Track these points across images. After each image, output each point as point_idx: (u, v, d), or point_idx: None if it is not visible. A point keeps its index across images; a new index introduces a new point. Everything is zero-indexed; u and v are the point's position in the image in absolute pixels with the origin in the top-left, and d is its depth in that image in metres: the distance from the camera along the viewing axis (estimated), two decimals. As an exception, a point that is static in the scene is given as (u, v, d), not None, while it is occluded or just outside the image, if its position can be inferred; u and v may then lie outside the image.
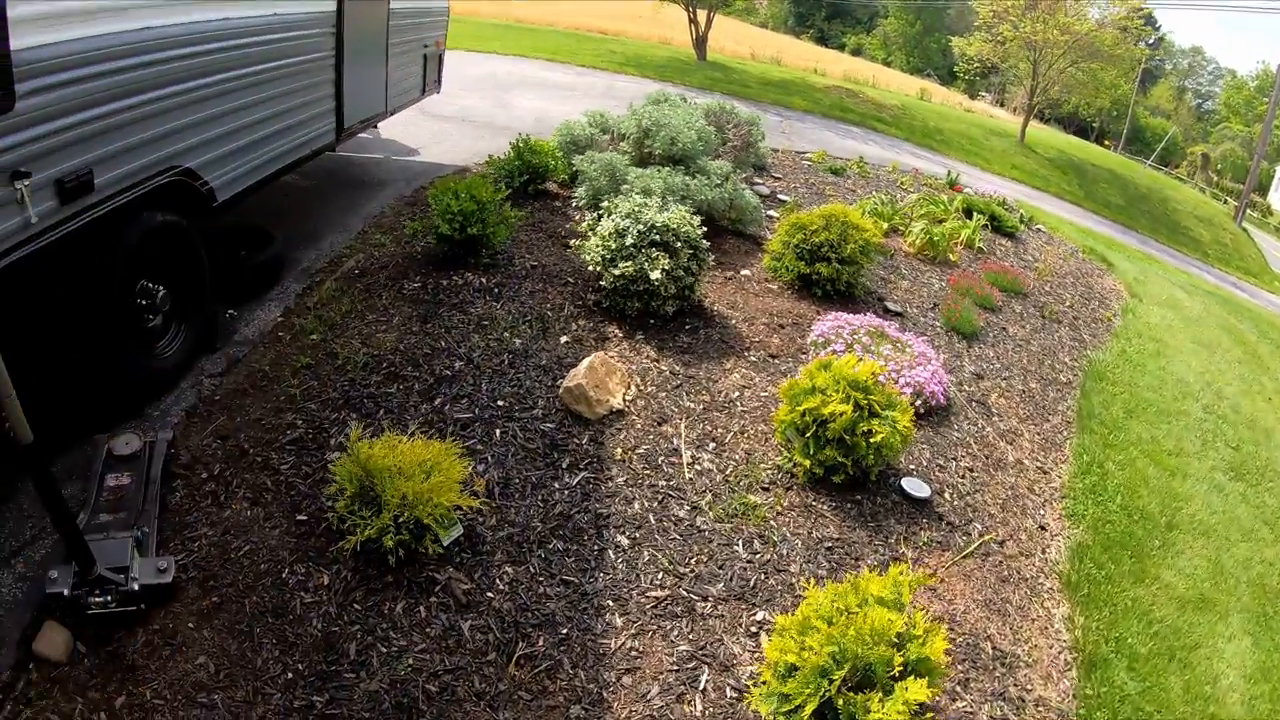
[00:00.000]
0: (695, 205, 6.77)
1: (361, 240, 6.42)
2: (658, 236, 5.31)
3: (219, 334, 4.78)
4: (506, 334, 5.09)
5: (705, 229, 5.84)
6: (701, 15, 23.80)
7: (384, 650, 3.21)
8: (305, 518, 3.65)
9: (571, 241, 6.32)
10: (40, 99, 3.05)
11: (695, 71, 21.36)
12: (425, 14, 8.02)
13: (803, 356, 5.68)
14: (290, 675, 3.08)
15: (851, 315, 6.04)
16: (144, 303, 4.10)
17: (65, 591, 2.96)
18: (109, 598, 3.04)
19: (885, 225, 8.59)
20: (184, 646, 3.10)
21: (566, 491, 4.08)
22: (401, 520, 3.38)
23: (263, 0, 4.73)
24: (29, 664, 2.95)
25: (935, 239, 8.54)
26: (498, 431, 4.32)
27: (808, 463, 4.28)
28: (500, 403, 4.51)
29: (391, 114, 7.70)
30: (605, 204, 5.86)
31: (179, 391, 4.31)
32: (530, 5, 27.37)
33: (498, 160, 7.63)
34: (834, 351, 5.37)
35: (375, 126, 8.12)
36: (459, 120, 10.99)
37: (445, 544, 3.56)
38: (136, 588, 3.07)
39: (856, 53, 56.89)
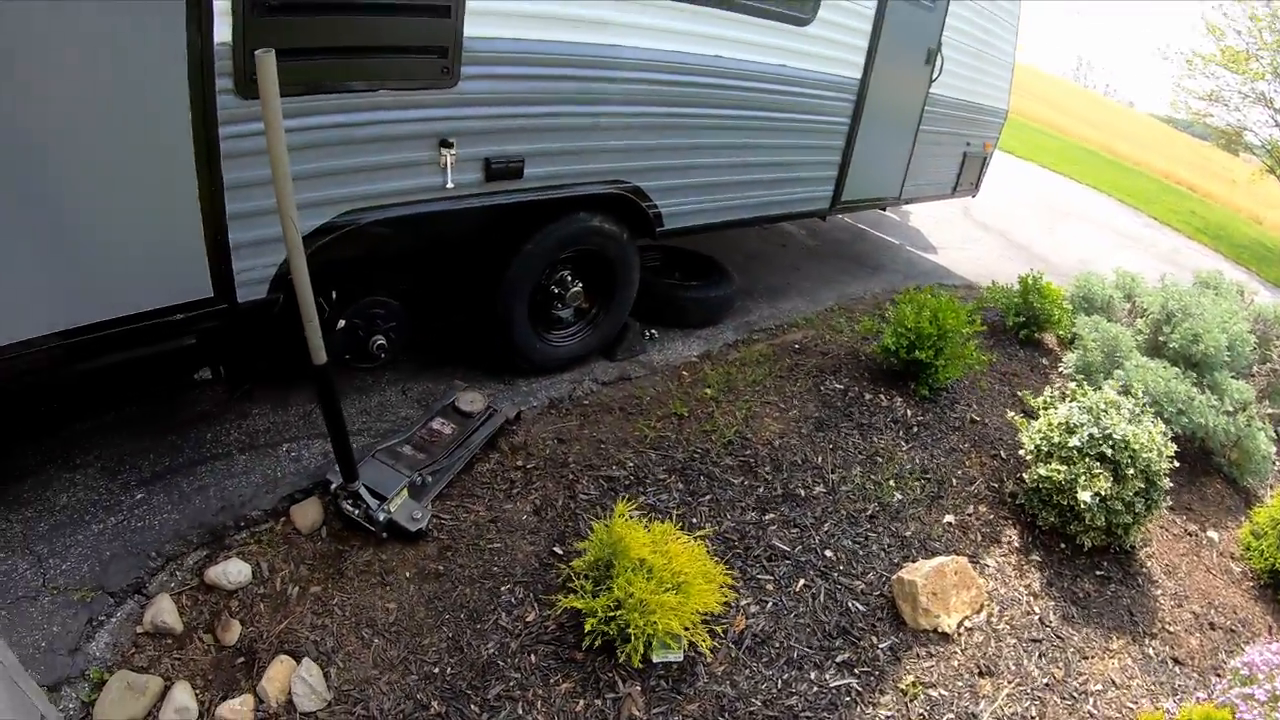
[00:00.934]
0: (1185, 427, 5.04)
1: (821, 318, 6.14)
2: (1109, 450, 3.90)
3: (626, 347, 4.90)
4: (891, 482, 4.25)
5: (1179, 460, 4.24)
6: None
7: (515, 712, 2.84)
8: (561, 552, 3.46)
9: (1016, 414, 5.15)
10: (480, 85, 3.39)
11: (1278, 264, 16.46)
12: (973, 110, 7.40)
13: (1213, 678, 3.72)
14: (436, 670, 2.92)
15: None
16: (556, 291, 4.39)
17: (334, 484, 3.30)
18: (357, 511, 3.27)
19: None
20: (387, 586, 3.16)
21: (816, 690, 3.14)
22: (613, 618, 3.00)
23: (769, 49, 4.68)
24: (280, 518, 3.35)
25: None
26: (801, 582, 3.57)
27: None
28: (828, 553, 3.73)
29: (905, 202, 7.27)
30: (1082, 387, 4.56)
31: (556, 382, 4.50)
32: (1127, 139, 24.19)
33: (999, 290, 6.66)
34: (1252, 698, 3.34)
35: (884, 209, 7.71)
36: (996, 233, 10.13)
37: (653, 661, 3.08)
38: (382, 518, 3.22)
39: None
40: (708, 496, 3.88)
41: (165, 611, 2.94)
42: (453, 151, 3.39)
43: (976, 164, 8.07)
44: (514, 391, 4.35)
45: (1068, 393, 4.47)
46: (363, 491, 3.23)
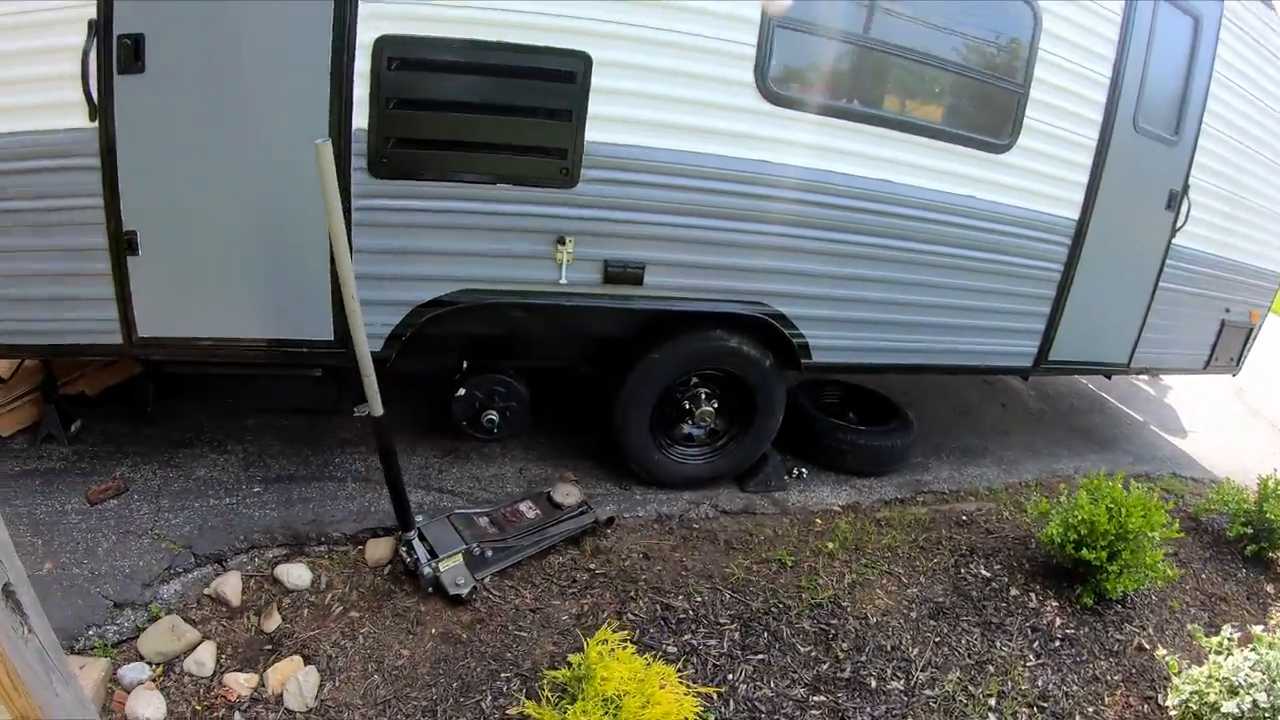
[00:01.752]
0: None
1: (1009, 492, 5.27)
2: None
3: (760, 480, 4.64)
4: (992, 700, 3.45)
5: None
6: None
7: None
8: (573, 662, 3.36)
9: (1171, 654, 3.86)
10: (600, 189, 3.56)
11: None
12: (1233, 269, 5.80)
13: None
14: None
15: None
16: (687, 406, 4.35)
17: (400, 533, 3.58)
18: (409, 560, 3.52)
19: None
20: (411, 634, 3.33)
21: None
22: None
23: (952, 177, 4.19)
24: (357, 545, 3.73)
25: None
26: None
27: None
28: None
29: (1137, 372, 5.98)
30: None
31: (674, 498, 4.42)
32: None
33: (1228, 490, 5.10)
34: None
35: (1110, 377, 6.34)
36: (1268, 421, 7.92)
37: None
38: (427, 573, 3.44)
39: None
40: (759, 656, 3.49)
41: (230, 585, 3.41)
42: (568, 249, 3.63)
43: (1239, 335, 6.38)
44: (625, 496, 4.37)
45: (1255, 636, 3.29)
46: (416, 544, 3.49)
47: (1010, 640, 3.84)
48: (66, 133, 3.18)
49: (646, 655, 3.25)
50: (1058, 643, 3.88)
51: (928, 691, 3.48)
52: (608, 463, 4.61)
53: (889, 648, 3.67)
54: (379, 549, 3.69)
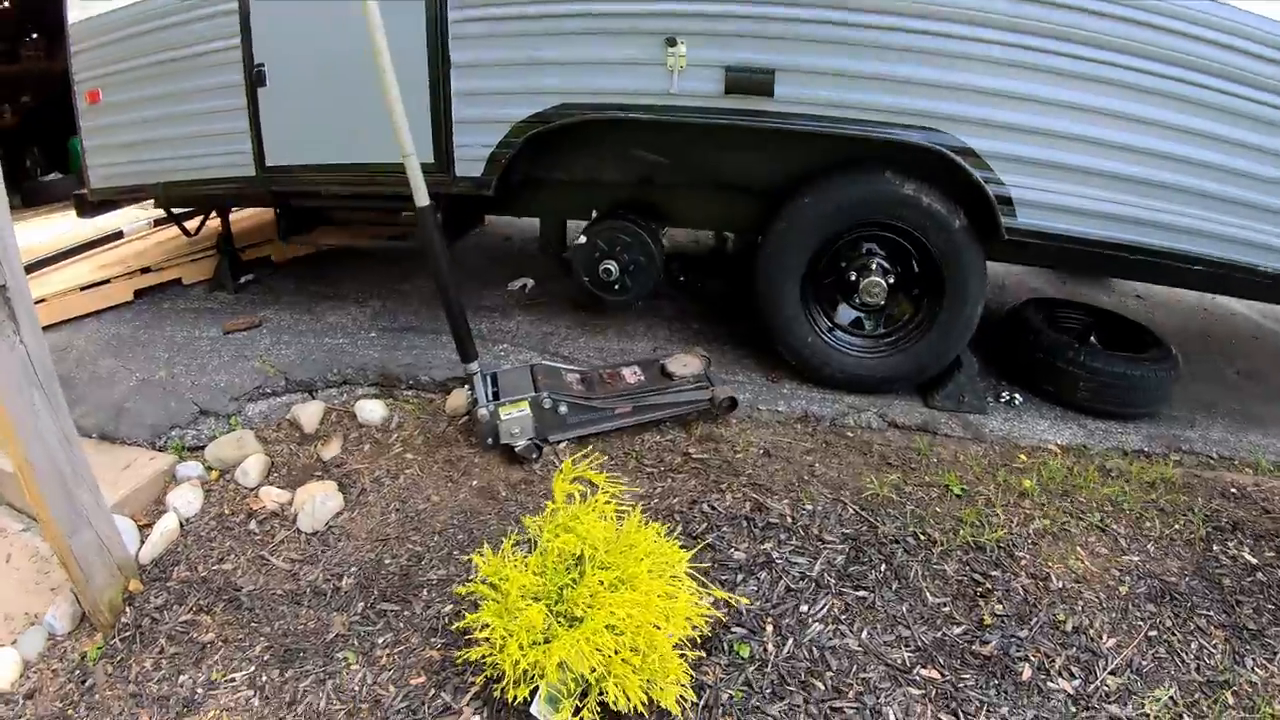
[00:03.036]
0: None
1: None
2: None
3: (950, 393, 3.41)
4: None
5: None
6: None
7: (370, 641, 2.38)
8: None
9: None
10: None
11: None
12: None
13: None
14: (390, 566, 2.64)
15: None
16: (852, 277, 3.34)
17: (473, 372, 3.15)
18: (468, 400, 3.15)
19: None
20: (449, 483, 2.99)
21: None
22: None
23: None
24: (443, 394, 3.44)
25: None
26: None
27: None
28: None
29: None
30: None
31: (832, 399, 3.39)
32: None
33: None
34: None
35: None
36: None
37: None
38: (481, 413, 2.98)
39: None
40: (860, 593, 2.41)
41: (308, 413, 3.34)
42: (680, 52, 3.00)
43: None
44: (769, 390, 3.46)
45: None
46: (477, 380, 3.06)
47: (1272, 660, 2.29)
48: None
49: (697, 551, 2.42)
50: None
51: (1111, 707, 2.13)
52: (764, 354, 3.72)
53: (1069, 628, 2.35)
54: (459, 399, 3.34)
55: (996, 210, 3.04)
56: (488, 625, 2.02)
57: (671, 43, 3.01)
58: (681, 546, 2.27)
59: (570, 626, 2.01)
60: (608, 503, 2.26)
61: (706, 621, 2.18)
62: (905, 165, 3.12)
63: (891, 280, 3.34)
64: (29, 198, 6.78)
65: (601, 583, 2.05)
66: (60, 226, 5.45)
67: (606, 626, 1.96)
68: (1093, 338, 3.75)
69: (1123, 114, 2.93)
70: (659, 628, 1.99)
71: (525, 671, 1.98)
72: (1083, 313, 3.98)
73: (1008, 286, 4.98)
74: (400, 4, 3.10)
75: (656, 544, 2.19)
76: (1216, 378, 4.04)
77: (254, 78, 3.53)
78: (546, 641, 1.98)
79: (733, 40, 3.00)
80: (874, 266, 3.33)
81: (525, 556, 2.20)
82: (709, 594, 2.24)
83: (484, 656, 2.05)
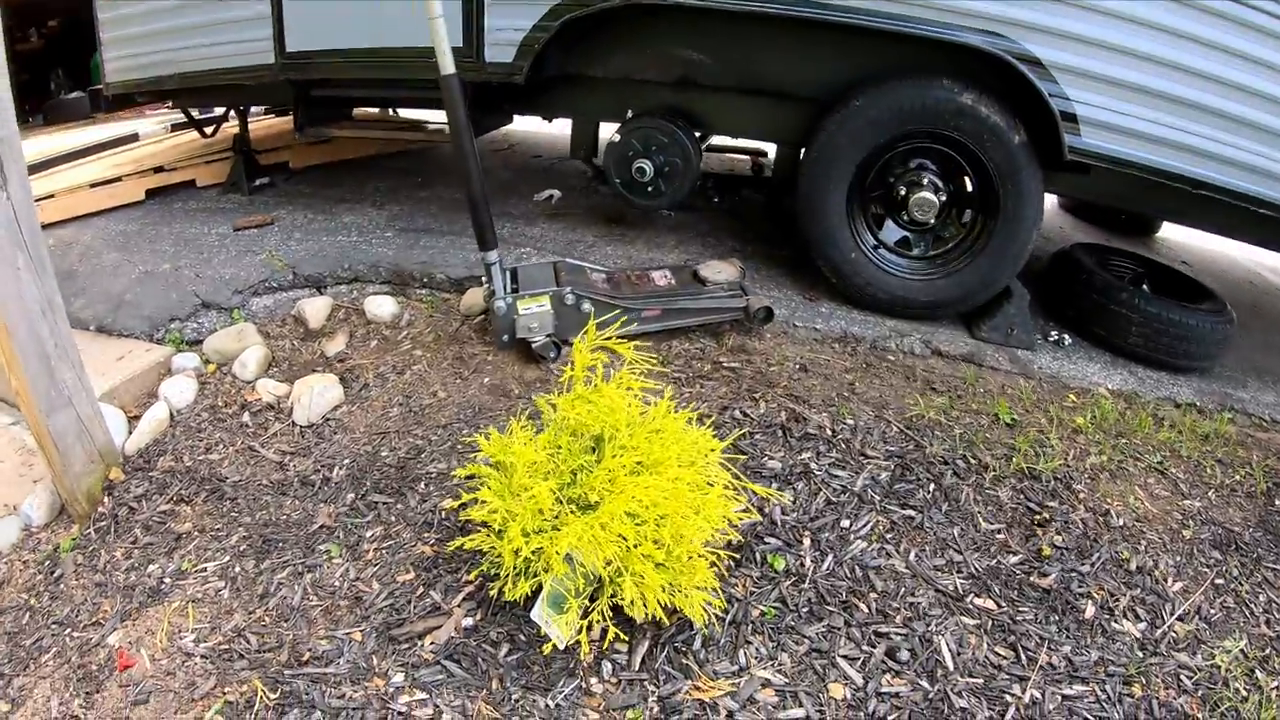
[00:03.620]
0: None
1: None
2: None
3: (998, 325, 3.10)
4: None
5: None
6: None
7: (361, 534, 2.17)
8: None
9: None
10: None
11: None
12: None
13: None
14: (387, 458, 2.42)
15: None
16: (901, 192, 3.02)
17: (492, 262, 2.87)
18: (484, 292, 2.85)
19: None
20: (458, 379, 2.75)
21: None
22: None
23: None
24: (457, 293, 3.18)
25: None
26: None
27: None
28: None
29: None
30: None
31: (874, 322, 3.06)
32: None
33: None
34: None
35: None
36: None
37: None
38: (498, 306, 2.70)
39: None
40: (907, 513, 2.13)
41: (314, 308, 3.12)
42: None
43: None
44: (808, 307, 3.14)
45: None
46: (495, 271, 2.77)
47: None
48: None
49: (730, 448, 2.10)
50: None
51: (1181, 655, 1.86)
52: (802, 274, 3.42)
53: (1134, 567, 2.07)
54: (475, 297, 3.09)
55: (1060, 127, 2.72)
56: (487, 506, 1.77)
57: None
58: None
59: (583, 514, 1.75)
60: (635, 378, 1.99)
61: (739, 525, 1.92)
62: (965, 72, 2.80)
63: (943, 198, 3.02)
64: (51, 114, 6.65)
65: (622, 465, 1.79)
66: (79, 137, 5.29)
67: (626, 514, 1.71)
68: (1145, 286, 3.40)
69: (1201, 38, 2.59)
70: (686, 520, 1.72)
71: (527, 562, 1.73)
72: (1134, 261, 3.65)
73: (1054, 240, 4.64)
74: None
75: (687, 432, 1.93)
76: (1267, 347, 3.65)
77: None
78: (555, 529, 1.73)
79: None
80: (925, 182, 3.02)
81: (535, 435, 1.94)
82: (744, 489, 1.97)
83: (481, 548, 1.81)
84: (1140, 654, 1.85)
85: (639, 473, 1.79)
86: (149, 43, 3.86)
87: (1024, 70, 2.69)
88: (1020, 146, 2.82)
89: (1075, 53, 2.68)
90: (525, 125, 5.05)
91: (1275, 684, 1.82)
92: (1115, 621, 1.93)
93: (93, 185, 4.10)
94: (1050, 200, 5.08)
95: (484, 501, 1.78)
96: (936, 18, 2.73)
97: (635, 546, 1.68)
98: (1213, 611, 2.00)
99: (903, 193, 3.07)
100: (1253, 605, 2.03)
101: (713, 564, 1.83)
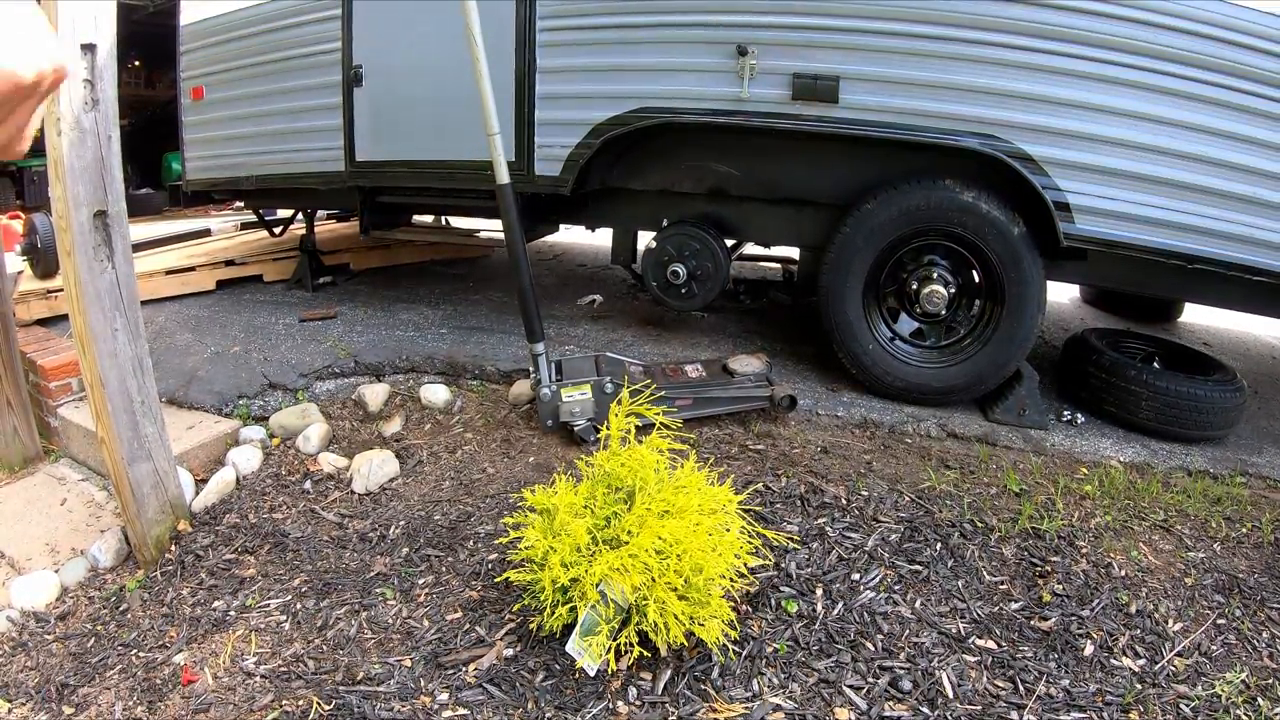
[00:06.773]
0: None
1: None
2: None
3: (1010, 406, 3.34)
4: None
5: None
6: None
7: (405, 597, 2.43)
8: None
9: None
10: None
11: None
12: None
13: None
14: (437, 520, 2.76)
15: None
16: (913, 286, 3.38)
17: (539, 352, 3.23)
18: (531, 381, 3.21)
19: None
20: (505, 459, 3.08)
21: None
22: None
23: None
24: (506, 384, 3.56)
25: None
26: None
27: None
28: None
29: None
30: None
31: (892, 409, 3.33)
32: None
33: None
34: None
35: None
36: None
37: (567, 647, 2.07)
38: (543, 393, 3.07)
39: None
40: (914, 567, 2.36)
41: (373, 393, 3.51)
42: (750, 61, 3.20)
43: None
44: (830, 397, 3.44)
45: None
46: (541, 361, 3.15)
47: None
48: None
49: (749, 510, 2.35)
50: None
51: (1180, 686, 2.03)
52: (825, 369, 3.74)
53: (1134, 611, 2.26)
54: (523, 387, 3.45)
55: (1055, 216, 3.08)
56: (531, 542, 2.06)
57: (743, 51, 3.22)
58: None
59: (615, 551, 2.03)
60: (664, 439, 2.29)
61: (753, 573, 2.18)
62: (965, 172, 3.21)
63: (952, 290, 3.38)
64: (123, 210, 7.34)
65: (650, 511, 2.08)
66: (155, 229, 5.90)
67: (654, 551, 1.98)
68: (1155, 363, 3.67)
69: (1178, 121, 2.97)
70: (705, 555, 1.99)
71: (564, 590, 2.00)
72: (1146, 342, 3.93)
73: (1070, 328, 4.94)
74: (490, 9, 3.35)
75: (708, 488, 2.21)
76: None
77: (351, 78, 3.86)
78: (590, 560, 2.00)
79: (800, 50, 3.19)
80: (935, 275, 3.38)
81: (575, 485, 2.23)
82: (758, 533, 2.23)
83: (524, 581, 2.08)
84: (1139, 685, 2.02)
85: (664, 517, 2.08)
86: (229, 145, 4.49)
87: (1018, 167, 3.08)
88: (1020, 237, 3.18)
89: (1063, 146, 3.06)
90: (571, 237, 5.57)
91: (1278, 711, 1.97)
92: (1114, 658, 2.10)
93: (168, 272, 4.64)
94: (1072, 293, 5.48)
95: (529, 544, 2.07)
96: (936, 125, 3.14)
97: (659, 577, 1.95)
98: (1213, 648, 2.16)
99: (915, 286, 3.42)
100: (1255, 641, 2.20)
101: (731, 604, 2.07)
